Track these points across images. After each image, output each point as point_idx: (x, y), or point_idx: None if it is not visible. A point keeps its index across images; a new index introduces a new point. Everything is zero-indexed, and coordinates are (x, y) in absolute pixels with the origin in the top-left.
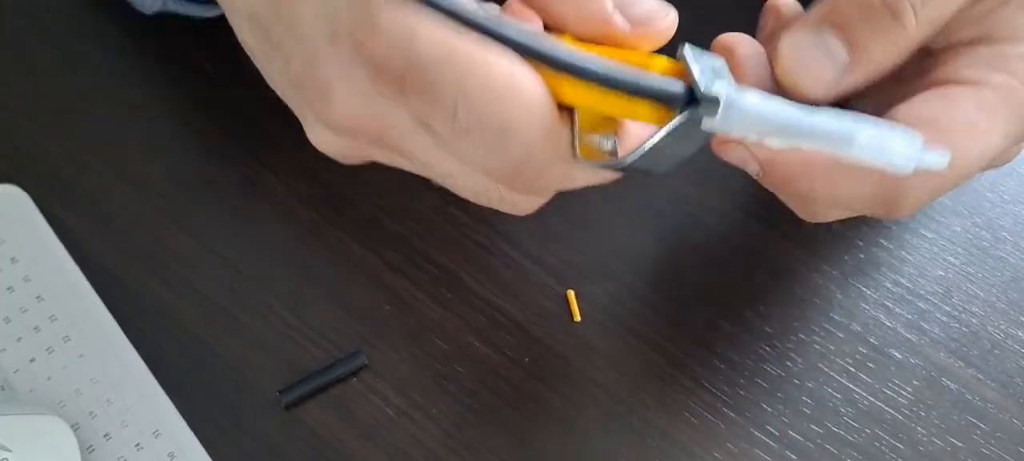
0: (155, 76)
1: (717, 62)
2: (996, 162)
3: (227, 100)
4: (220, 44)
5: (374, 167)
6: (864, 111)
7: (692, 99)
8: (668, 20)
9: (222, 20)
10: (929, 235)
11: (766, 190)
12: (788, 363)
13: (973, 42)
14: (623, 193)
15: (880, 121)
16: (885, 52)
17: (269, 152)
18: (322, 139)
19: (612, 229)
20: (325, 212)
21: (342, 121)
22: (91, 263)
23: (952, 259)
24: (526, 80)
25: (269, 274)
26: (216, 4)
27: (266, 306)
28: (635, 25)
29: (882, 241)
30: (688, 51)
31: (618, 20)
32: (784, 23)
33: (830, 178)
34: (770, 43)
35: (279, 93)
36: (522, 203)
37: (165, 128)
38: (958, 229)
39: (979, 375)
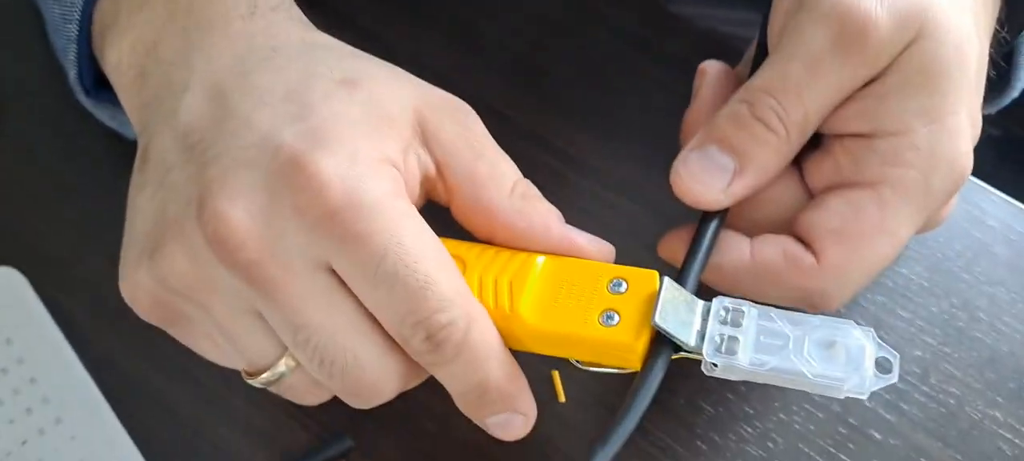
0: None
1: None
2: (922, 231)
3: None
4: None
5: None
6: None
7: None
8: (612, 247)
9: None
10: (906, 315)
11: None
12: (769, 444)
13: (866, 136)
14: None
15: (852, 352)
16: (767, 155)
17: None
18: (142, 278)
19: None
20: None
21: (226, 238)
22: (85, 346)
23: (929, 340)
24: (446, 254)
25: None
26: None
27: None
28: (592, 241)
29: (859, 320)
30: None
31: (579, 237)
32: (711, 83)
33: (756, 285)
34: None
35: (133, 216)
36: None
37: None
38: (935, 310)
39: (957, 455)
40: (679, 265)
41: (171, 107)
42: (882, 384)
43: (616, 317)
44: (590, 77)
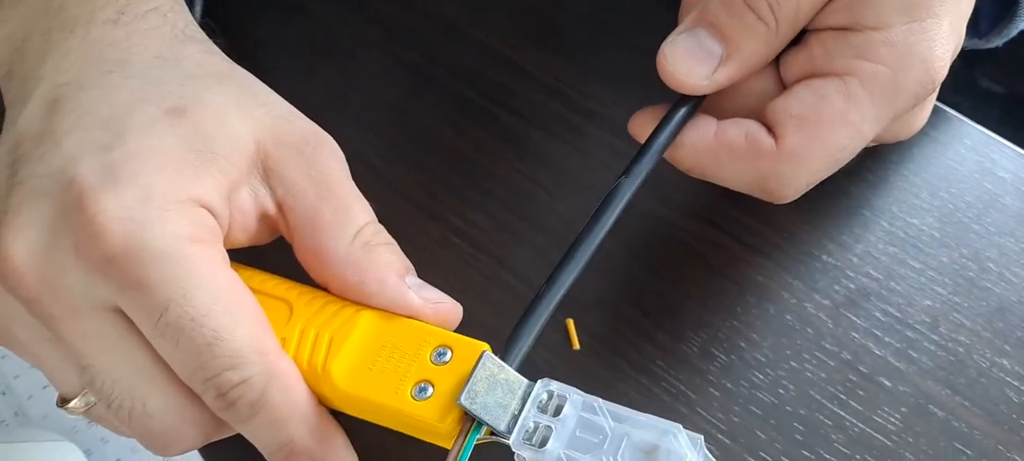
0: None
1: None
2: (889, 136)
3: None
4: None
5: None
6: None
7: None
8: (458, 309)
9: None
10: (917, 266)
11: (761, 222)
12: (780, 391)
13: (843, 28)
14: (623, 227)
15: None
16: (755, 45)
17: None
18: None
19: (611, 261)
20: None
21: (6, 273)
22: None
23: (939, 289)
24: (250, 305)
25: None
26: None
27: None
28: (430, 300)
29: (871, 271)
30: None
31: (414, 297)
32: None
33: (717, 165)
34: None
35: None
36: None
37: None
38: (945, 260)
39: (966, 403)
40: (642, 142)
41: (12, 116)
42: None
43: (430, 389)
44: (603, 26)
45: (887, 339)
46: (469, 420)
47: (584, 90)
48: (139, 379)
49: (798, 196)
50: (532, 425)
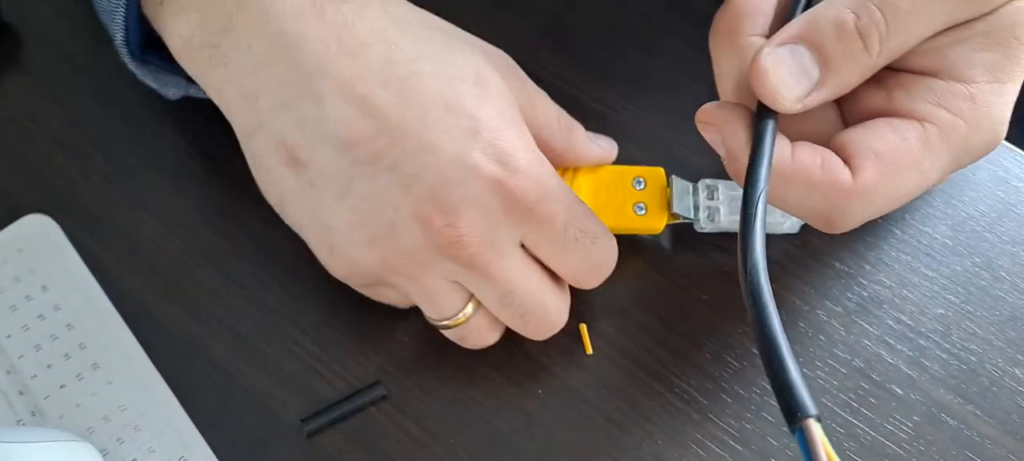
0: (183, 111)
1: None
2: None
3: None
4: None
5: None
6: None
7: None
8: (615, 145)
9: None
10: (929, 274)
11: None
12: None
13: (927, 72)
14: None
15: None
16: (851, 73)
17: None
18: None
19: (624, 266)
20: None
21: (457, 242)
22: (119, 293)
23: (952, 298)
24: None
25: (293, 306)
26: None
27: (290, 338)
28: (606, 151)
29: (884, 280)
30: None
31: (595, 149)
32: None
33: (786, 188)
34: (731, 39)
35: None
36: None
37: (193, 162)
38: (958, 268)
39: (977, 412)
40: (720, 144)
41: (302, 115)
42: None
43: (644, 208)
44: (620, 34)
45: (899, 347)
46: (673, 216)
47: (599, 96)
48: (542, 288)
49: (852, 228)
50: (706, 209)
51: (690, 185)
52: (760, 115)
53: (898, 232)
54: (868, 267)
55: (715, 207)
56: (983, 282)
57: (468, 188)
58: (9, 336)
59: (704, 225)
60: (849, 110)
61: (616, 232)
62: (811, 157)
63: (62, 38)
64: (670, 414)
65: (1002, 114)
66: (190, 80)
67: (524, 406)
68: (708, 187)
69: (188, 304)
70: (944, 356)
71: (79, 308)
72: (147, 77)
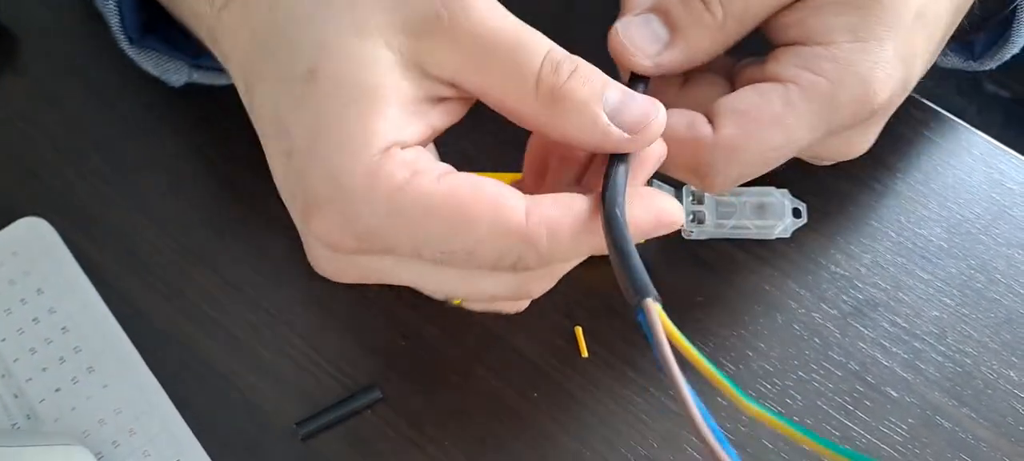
0: (180, 114)
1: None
2: (830, 152)
3: (249, 139)
4: None
5: None
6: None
7: None
8: (659, 120)
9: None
10: (925, 277)
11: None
12: (788, 400)
13: (794, 43)
14: None
15: (775, 207)
16: (701, 37)
17: None
18: (317, 256)
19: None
20: None
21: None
22: (115, 296)
23: (947, 300)
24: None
25: (289, 310)
26: None
27: (285, 341)
28: (631, 131)
29: (879, 282)
30: None
31: (615, 132)
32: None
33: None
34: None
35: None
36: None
37: (188, 165)
38: (953, 271)
39: (972, 414)
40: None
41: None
42: (799, 225)
43: None
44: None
45: (894, 350)
46: None
47: None
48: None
49: (726, 189)
50: (692, 214)
51: (673, 191)
52: (629, 81)
53: (893, 235)
54: (864, 270)
55: (701, 212)
56: (978, 285)
57: (298, 224)
58: (4, 339)
59: (691, 230)
60: (738, 87)
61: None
62: (679, 118)
63: (58, 40)
64: (665, 417)
65: (869, 71)
66: (193, 66)
67: (519, 409)
68: (694, 193)
69: (184, 307)
70: (939, 359)
71: (74, 311)
72: (148, 63)
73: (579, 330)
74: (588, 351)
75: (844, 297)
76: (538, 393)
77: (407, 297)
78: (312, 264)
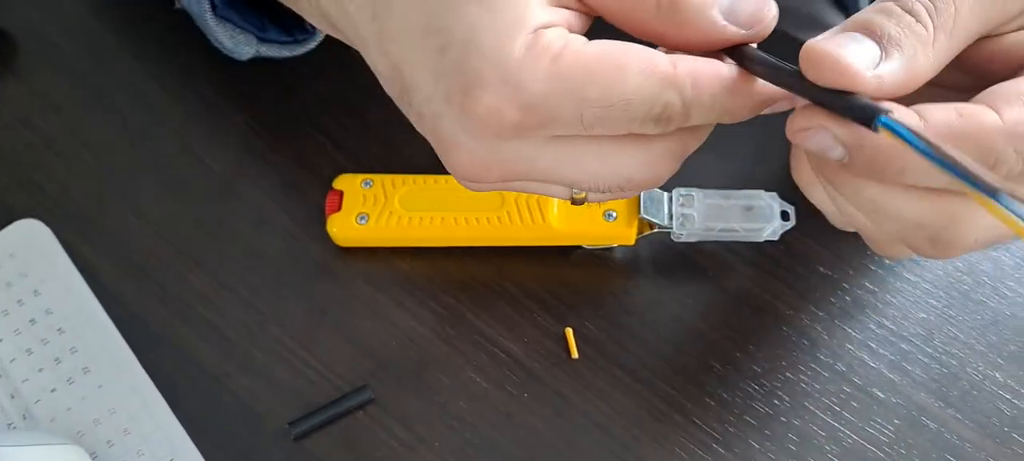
0: (174, 116)
1: None
2: None
3: (242, 142)
4: (238, 87)
5: None
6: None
7: None
8: (773, 12)
9: (253, 62)
10: (912, 279)
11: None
12: (775, 401)
13: None
14: None
15: (764, 210)
16: (913, 45)
17: (283, 193)
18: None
19: (609, 271)
20: (336, 253)
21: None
22: (110, 297)
23: (934, 302)
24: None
25: (282, 311)
26: (303, 42)
27: (278, 342)
28: (747, 27)
29: (867, 284)
30: None
31: (731, 29)
32: None
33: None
34: None
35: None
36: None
37: (183, 167)
38: (940, 273)
39: (958, 415)
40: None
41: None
42: (787, 227)
43: (614, 214)
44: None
45: (881, 351)
46: (649, 226)
47: None
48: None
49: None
50: (680, 217)
51: (665, 194)
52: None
53: None
54: (851, 272)
55: (690, 214)
56: (965, 287)
57: (453, 124)
58: (1, 340)
59: (680, 233)
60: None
61: (589, 242)
62: (943, 112)
63: (56, 42)
64: (654, 417)
65: None
66: (260, 39)
67: (510, 410)
68: (683, 196)
69: (178, 308)
70: (925, 360)
71: (70, 312)
72: (224, 35)
73: (569, 331)
74: (578, 352)
75: (831, 299)
76: (529, 394)
77: (400, 299)
78: (454, 168)
